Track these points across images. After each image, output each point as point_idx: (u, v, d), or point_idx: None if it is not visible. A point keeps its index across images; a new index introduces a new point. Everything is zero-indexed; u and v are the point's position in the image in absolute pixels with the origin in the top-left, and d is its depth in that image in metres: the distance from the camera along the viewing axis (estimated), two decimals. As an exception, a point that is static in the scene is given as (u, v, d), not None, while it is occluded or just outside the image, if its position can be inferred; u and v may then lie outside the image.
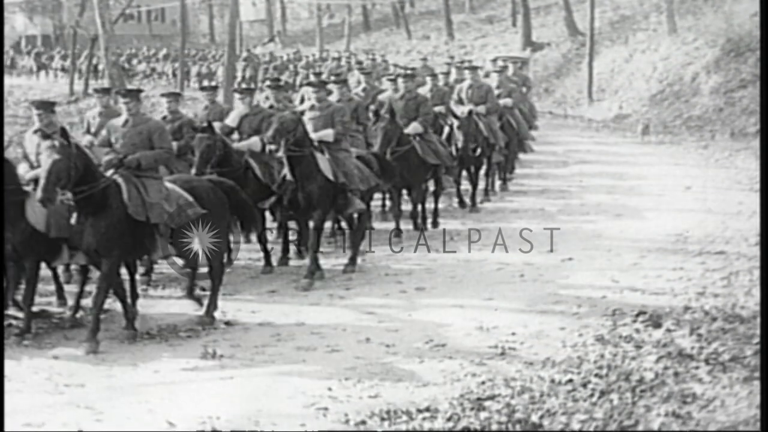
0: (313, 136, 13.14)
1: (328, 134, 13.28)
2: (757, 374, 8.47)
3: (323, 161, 12.95)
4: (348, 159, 13.34)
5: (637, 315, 10.80)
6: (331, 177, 12.89)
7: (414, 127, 15.52)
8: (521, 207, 18.11)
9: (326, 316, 11.33)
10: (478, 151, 17.79)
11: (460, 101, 18.25)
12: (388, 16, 54.16)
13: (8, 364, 9.39)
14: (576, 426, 7.88)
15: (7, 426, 8.06)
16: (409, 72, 19.14)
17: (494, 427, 7.98)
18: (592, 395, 8.45)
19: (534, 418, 8.04)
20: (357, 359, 9.72)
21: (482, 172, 18.61)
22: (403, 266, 13.53)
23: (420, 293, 12.23)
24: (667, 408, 8.02)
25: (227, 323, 11.09)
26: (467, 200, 17.98)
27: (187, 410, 8.39)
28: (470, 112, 17.69)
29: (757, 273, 12.09)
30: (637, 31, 37.90)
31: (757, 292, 11.19)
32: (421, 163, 15.47)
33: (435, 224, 16.29)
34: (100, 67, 40.49)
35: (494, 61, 27.98)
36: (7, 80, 40.27)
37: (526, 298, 11.84)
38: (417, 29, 50.33)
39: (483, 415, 8.17)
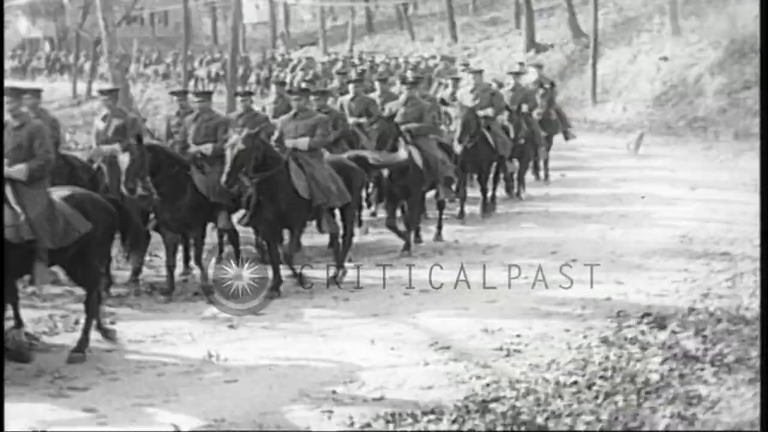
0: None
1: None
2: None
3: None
4: None
5: (642, 317, 10.79)
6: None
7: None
8: (524, 210, 18.08)
9: (331, 319, 11.32)
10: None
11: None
12: (392, 18, 54.24)
13: (12, 366, 9.38)
14: (581, 428, 7.87)
15: (10, 429, 8.05)
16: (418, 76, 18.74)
17: (499, 429, 7.96)
18: (597, 397, 8.44)
19: (539, 420, 8.03)
20: (362, 361, 9.71)
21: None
22: (407, 270, 13.48)
23: (424, 295, 12.21)
24: (672, 409, 8.00)
25: (231, 326, 11.08)
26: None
27: (191, 413, 8.39)
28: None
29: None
30: (641, 33, 37.86)
31: (762, 293, 11.18)
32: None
33: (438, 236, 15.56)
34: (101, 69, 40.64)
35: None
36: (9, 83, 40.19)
37: (531, 300, 11.82)
38: (420, 31, 50.37)
39: (488, 417, 8.16)
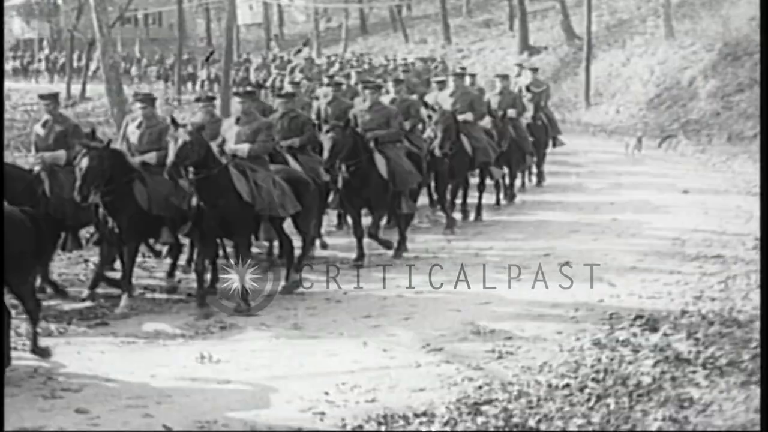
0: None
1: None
2: (755, 378, 8.47)
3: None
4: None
5: (635, 319, 10.80)
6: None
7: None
8: (514, 217, 18.05)
9: (323, 321, 11.32)
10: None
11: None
12: (386, 20, 54.31)
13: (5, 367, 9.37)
14: (573, 430, 7.87)
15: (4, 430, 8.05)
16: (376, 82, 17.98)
17: (491, 431, 7.97)
18: (589, 399, 8.45)
19: (531, 423, 8.03)
20: (354, 363, 9.71)
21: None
22: (400, 272, 13.49)
23: (417, 297, 12.22)
24: (664, 412, 8.01)
25: (223, 327, 11.08)
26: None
27: (183, 414, 8.39)
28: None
29: (754, 277, 12.10)
30: (635, 35, 37.94)
31: (754, 295, 11.21)
32: None
33: (400, 248, 14.62)
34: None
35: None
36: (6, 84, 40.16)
37: (523, 302, 11.83)
38: (414, 33, 50.42)
39: (480, 419, 8.17)
